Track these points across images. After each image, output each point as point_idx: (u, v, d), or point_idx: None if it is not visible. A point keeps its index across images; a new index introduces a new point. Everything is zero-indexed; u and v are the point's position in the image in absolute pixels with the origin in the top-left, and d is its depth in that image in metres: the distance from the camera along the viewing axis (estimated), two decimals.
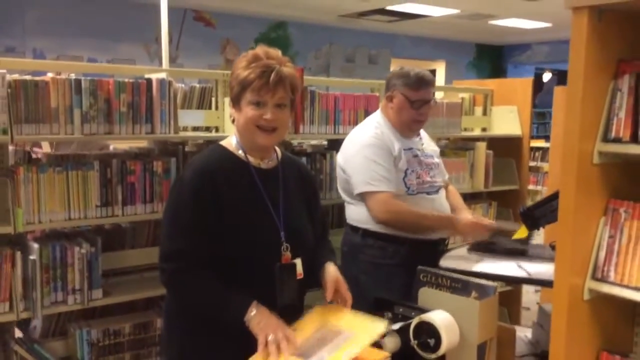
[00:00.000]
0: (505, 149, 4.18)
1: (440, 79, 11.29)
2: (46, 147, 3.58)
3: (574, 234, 1.58)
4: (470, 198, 4.14)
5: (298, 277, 1.97)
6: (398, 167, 2.64)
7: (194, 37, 9.00)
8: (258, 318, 1.79)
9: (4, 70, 2.34)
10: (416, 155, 2.71)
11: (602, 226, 1.63)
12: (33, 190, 2.44)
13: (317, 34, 10.21)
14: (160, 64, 5.06)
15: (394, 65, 10.75)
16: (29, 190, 2.43)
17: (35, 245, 2.46)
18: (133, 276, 2.89)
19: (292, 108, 1.98)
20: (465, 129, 4.26)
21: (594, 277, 1.61)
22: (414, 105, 2.65)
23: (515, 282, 3.04)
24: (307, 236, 2.06)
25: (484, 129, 4.32)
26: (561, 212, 1.60)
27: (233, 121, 2.00)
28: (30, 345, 2.51)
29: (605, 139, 1.58)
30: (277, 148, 2.08)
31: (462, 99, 4.20)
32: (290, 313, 1.94)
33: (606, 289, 1.58)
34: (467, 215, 2.69)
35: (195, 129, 3.14)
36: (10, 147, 2.57)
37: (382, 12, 9.21)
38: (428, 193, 2.69)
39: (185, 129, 3.06)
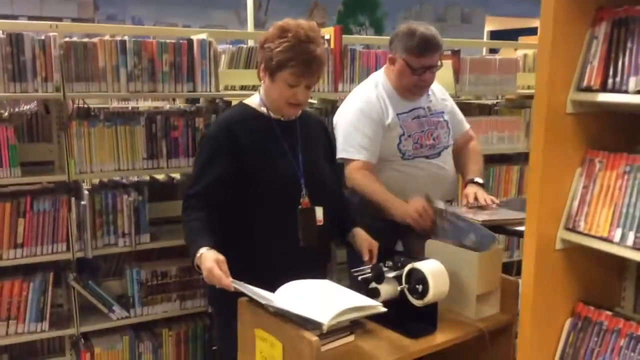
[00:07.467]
0: None
1: None
2: None
3: (542, 184, 1.58)
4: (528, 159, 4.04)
5: (318, 224, 2.11)
6: (390, 135, 2.56)
7: (282, 2, 9.15)
8: (200, 261, 1.87)
9: (56, 33, 2.59)
10: (418, 117, 2.61)
11: (577, 177, 1.61)
12: (85, 142, 2.70)
13: None
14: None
15: (489, 24, 10.33)
16: (82, 143, 2.69)
17: (86, 192, 2.73)
18: (180, 225, 3.11)
19: None
20: (529, 87, 4.14)
21: (567, 227, 1.60)
22: (415, 72, 2.50)
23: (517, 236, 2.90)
24: (328, 186, 2.20)
25: None
26: (531, 162, 1.61)
27: (260, 79, 2.13)
28: (86, 282, 2.81)
29: (579, 88, 1.55)
30: None
31: (525, 55, 4.07)
32: (314, 256, 2.12)
33: (576, 238, 1.57)
34: (419, 200, 2.41)
35: (242, 87, 3.29)
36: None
37: None
38: (427, 157, 2.60)
39: (233, 87, 3.23)
